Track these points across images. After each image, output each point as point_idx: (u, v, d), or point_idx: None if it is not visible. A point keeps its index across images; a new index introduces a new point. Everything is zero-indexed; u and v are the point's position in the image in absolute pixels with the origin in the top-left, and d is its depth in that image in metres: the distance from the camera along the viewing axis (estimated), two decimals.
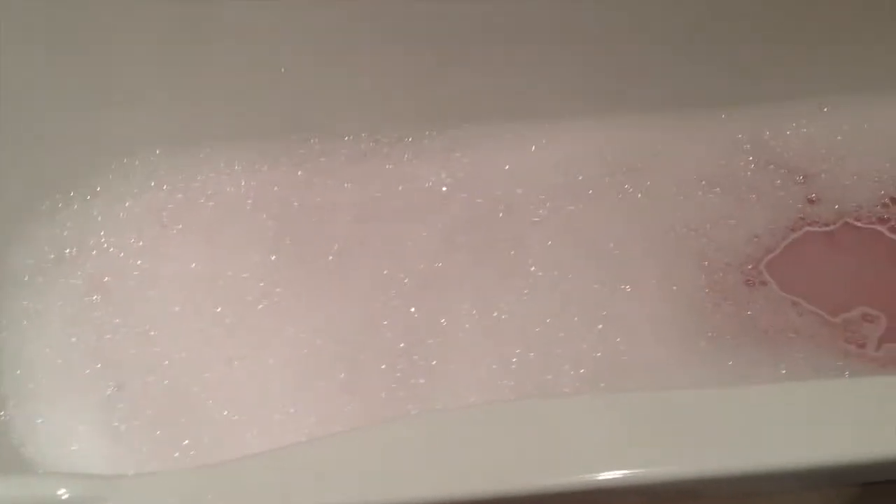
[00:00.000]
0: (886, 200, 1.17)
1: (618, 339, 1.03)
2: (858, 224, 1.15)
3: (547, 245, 1.12)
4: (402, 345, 1.03)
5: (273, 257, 1.09)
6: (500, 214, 1.15)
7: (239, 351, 1.03)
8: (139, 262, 1.11)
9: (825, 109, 1.22)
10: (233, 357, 1.02)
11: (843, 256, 1.13)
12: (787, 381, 1.00)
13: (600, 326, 1.04)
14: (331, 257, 1.11)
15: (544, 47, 1.17)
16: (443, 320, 1.05)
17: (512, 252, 1.11)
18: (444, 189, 1.17)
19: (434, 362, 1.01)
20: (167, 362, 1.02)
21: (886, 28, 1.18)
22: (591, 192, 1.16)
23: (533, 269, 1.09)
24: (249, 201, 1.15)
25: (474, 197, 1.16)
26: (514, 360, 1.01)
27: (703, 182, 1.18)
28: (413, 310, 1.06)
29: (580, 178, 1.17)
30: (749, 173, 1.19)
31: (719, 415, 0.68)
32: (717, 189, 1.18)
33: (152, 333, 1.03)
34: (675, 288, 1.09)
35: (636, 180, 1.18)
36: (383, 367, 1.02)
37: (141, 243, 1.12)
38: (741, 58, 1.20)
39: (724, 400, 0.70)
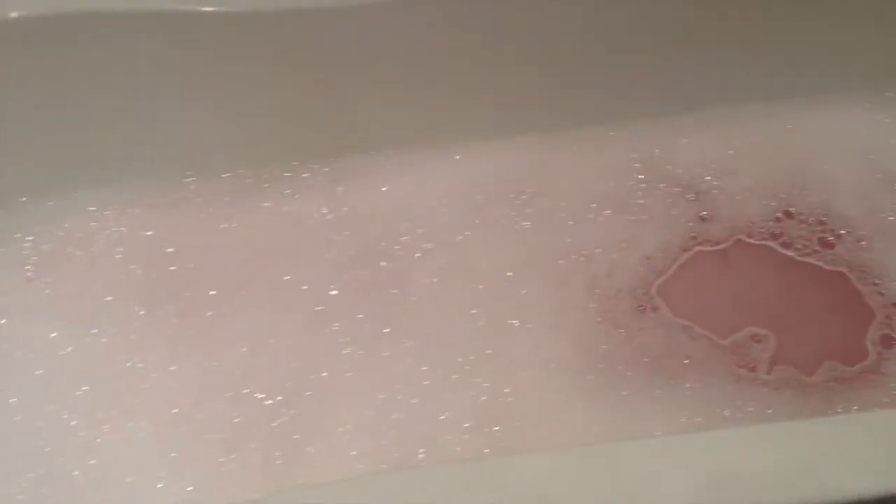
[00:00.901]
0: (779, 214, 1.15)
1: (505, 379, 1.00)
2: (751, 241, 1.14)
3: (433, 281, 1.08)
4: (281, 398, 0.99)
5: (142, 311, 1.04)
6: (385, 250, 1.11)
7: (108, 413, 0.97)
8: (2, 320, 1.04)
9: (715, 123, 1.20)
10: (102, 421, 0.97)
11: (734, 275, 1.11)
12: (682, 412, 0.98)
13: (487, 366, 1.01)
14: (207, 307, 1.06)
15: (426, 73, 1.13)
16: (324, 373, 1.00)
17: (395, 291, 1.07)
18: (327, 226, 1.13)
19: (315, 414, 0.97)
20: (29, 430, 0.96)
21: (772, 39, 1.16)
22: (478, 221, 1.13)
23: (417, 307, 1.06)
24: (120, 249, 1.09)
25: (358, 233, 1.12)
26: (397, 407, 0.98)
27: (594, 205, 1.16)
28: (293, 361, 1.01)
29: (467, 207, 1.14)
30: (640, 193, 1.17)
31: None
32: (608, 211, 1.15)
33: (12, 400, 0.97)
34: (565, 319, 1.06)
35: (525, 207, 1.15)
36: (262, 422, 0.97)
37: (4, 299, 1.06)
38: (629, 73, 1.17)
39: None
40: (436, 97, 1.15)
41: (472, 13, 1.09)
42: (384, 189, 1.15)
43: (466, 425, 0.96)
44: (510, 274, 1.09)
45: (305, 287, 1.08)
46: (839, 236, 1.12)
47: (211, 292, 1.07)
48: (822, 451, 0.70)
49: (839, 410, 0.98)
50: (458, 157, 1.17)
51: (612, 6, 1.11)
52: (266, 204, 1.14)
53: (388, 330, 1.03)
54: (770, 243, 1.13)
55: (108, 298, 1.05)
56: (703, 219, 1.15)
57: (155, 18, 1.02)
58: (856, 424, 0.76)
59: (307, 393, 0.99)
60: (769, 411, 0.98)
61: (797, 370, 1.03)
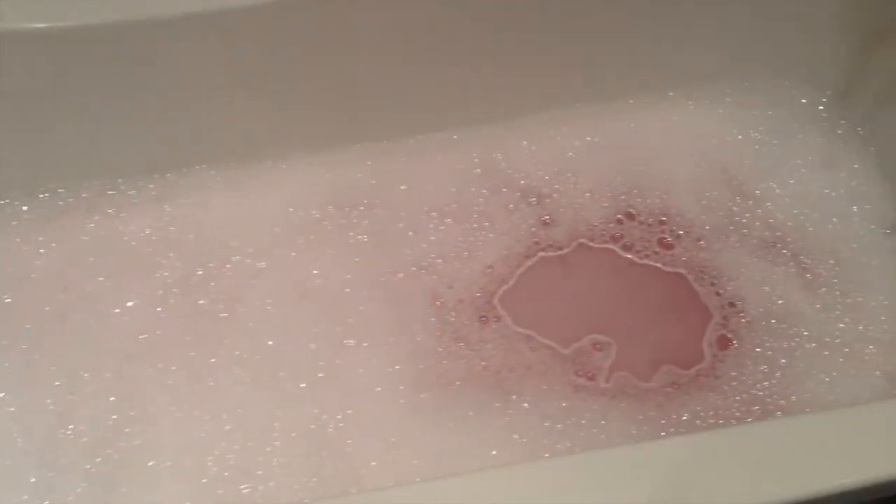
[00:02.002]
0: (620, 216, 1.15)
1: (337, 403, 0.97)
2: (592, 244, 1.13)
3: (265, 302, 1.04)
4: (99, 436, 0.93)
5: None
6: (214, 271, 1.06)
7: None
8: None
9: (555, 125, 1.19)
10: None
11: (576, 281, 1.11)
12: (516, 429, 0.97)
13: (319, 390, 0.97)
14: (23, 341, 1.00)
15: (252, 84, 1.08)
16: (147, 406, 0.95)
17: (225, 314, 1.02)
18: (152, 247, 1.07)
19: (134, 452, 0.92)
20: None
21: (608, 39, 1.15)
22: (312, 237, 1.09)
23: (248, 331, 1.01)
24: None
25: (186, 254, 1.07)
26: (223, 440, 0.94)
27: (434, 214, 1.13)
28: (113, 395, 0.96)
29: (301, 222, 1.10)
30: (482, 200, 1.15)
31: None
32: (449, 220, 1.13)
33: None
34: (403, 335, 1.03)
35: (362, 219, 1.11)
36: (78, 464, 0.92)
37: None
38: (466, 76, 1.14)
39: None
40: (265, 108, 1.10)
41: (302, 20, 1.04)
42: (214, 206, 1.10)
43: (294, 455, 0.93)
44: (347, 291, 1.06)
45: (128, 314, 1.02)
46: (678, 237, 1.13)
47: (26, 326, 1.01)
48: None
49: (673, 417, 0.99)
50: (290, 169, 1.13)
51: (448, 9, 1.08)
52: (88, 225, 1.08)
53: (214, 359, 0.99)
54: (611, 246, 1.13)
55: None
56: (545, 224, 1.14)
57: None
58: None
59: (126, 430, 0.94)
60: (602, 422, 0.98)
61: (635, 376, 1.02)
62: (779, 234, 1.11)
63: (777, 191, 1.13)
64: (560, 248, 1.12)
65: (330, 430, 0.95)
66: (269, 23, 1.01)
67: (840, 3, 1.08)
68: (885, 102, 1.08)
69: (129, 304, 1.03)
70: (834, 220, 1.10)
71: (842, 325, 1.03)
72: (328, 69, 1.09)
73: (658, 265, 1.11)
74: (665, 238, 1.13)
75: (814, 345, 1.02)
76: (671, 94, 1.20)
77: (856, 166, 1.12)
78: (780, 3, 1.11)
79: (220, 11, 0.98)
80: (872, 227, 1.08)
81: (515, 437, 0.96)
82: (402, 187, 1.14)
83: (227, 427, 0.94)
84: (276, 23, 1.02)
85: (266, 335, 1.01)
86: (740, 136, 1.17)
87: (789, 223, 1.11)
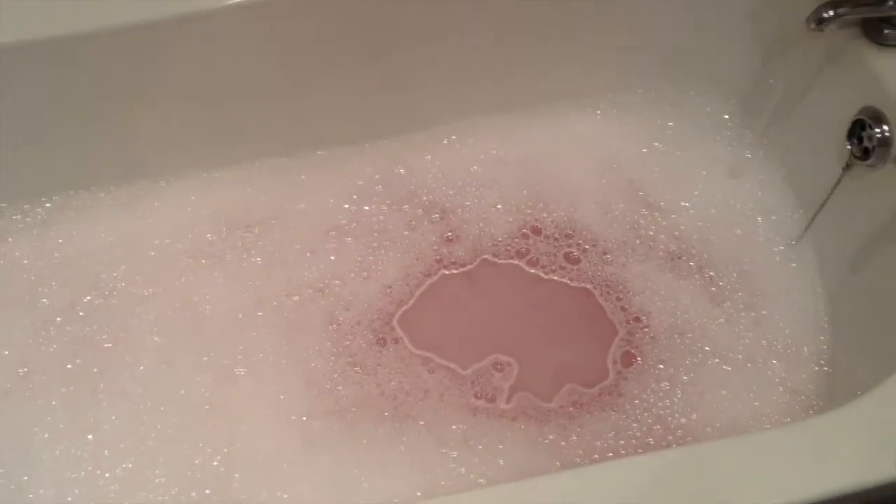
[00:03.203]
0: (525, 231, 1.12)
1: (224, 436, 0.93)
2: (497, 260, 1.10)
3: (152, 331, 1.00)
4: None
5: None
6: (100, 299, 1.02)
7: None
8: None
9: (459, 139, 1.16)
10: None
11: (479, 299, 1.08)
12: (411, 457, 0.94)
13: (206, 423, 0.94)
14: None
15: (139, 103, 1.04)
16: (25, 445, 0.91)
17: (109, 345, 0.99)
18: (35, 274, 1.03)
19: (13, 498, 0.88)
20: None
21: (511, 50, 1.12)
22: (204, 261, 1.05)
23: (134, 362, 0.98)
24: None
25: (70, 281, 1.03)
26: (104, 477, 0.90)
27: (333, 233, 1.10)
28: None
29: (192, 245, 1.06)
30: (382, 217, 1.12)
31: None
32: (349, 239, 1.10)
33: None
34: (297, 362, 1.00)
35: (256, 241, 1.08)
36: None
37: None
38: (365, 89, 1.11)
39: None
40: (156, 125, 1.06)
41: (181, 37, 1.00)
42: (101, 229, 1.06)
43: (177, 492, 0.89)
44: (239, 316, 1.02)
45: (7, 347, 0.98)
46: (584, 251, 1.10)
47: None
48: None
49: (573, 438, 0.96)
50: (183, 189, 1.09)
51: (341, 20, 1.04)
52: None
53: (97, 393, 0.95)
54: (517, 262, 1.10)
55: None
56: (448, 240, 1.11)
57: None
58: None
59: (1, 470, 0.90)
60: (500, 446, 0.95)
61: (536, 397, 1.00)
62: (684, 246, 1.09)
63: (682, 202, 1.11)
64: (463, 265, 1.10)
65: (215, 464, 0.91)
66: (139, 42, 0.97)
67: (741, 14, 1.06)
68: (787, 112, 1.06)
69: (8, 336, 0.99)
70: (738, 231, 1.08)
71: (745, 340, 1.01)
72: (220, 85, 1.05)
73: (564, 280, 1.08)
74: (571, 252, 1.10)
75: (717, 360, 1.00)
76: (578, 105, 1.17)
77: (761, 177, 1.10)
78: (682, 14, 1.09)
79: (88, 34, 0.94)
80: (777, 238, 1.07)
81: (410, 465, 0.93)
82: (301, 206, 1.11)
83: (108, 464, 0.91)
84: (150, 41, 0.97)
85: (151, 366, 0.98)
86: (646, 148, 1.15)
87: (694, 235, 1.09)
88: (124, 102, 1.03)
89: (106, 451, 0.92)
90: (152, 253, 1.05)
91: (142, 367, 0.97)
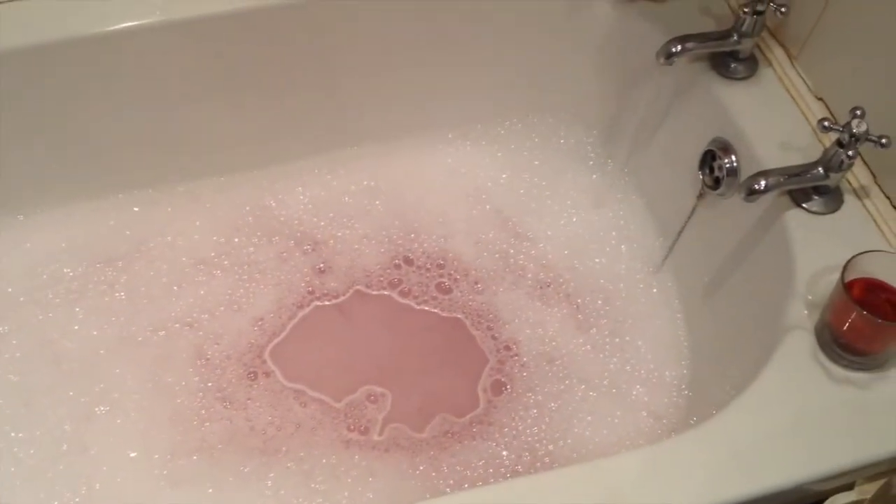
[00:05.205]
0: (398, 261, 1.13)
1: (81, 477, 0.90)
2: (369, 291, 1.10)
3: (8, 370, 0.96)
4: None
5: None
6: None
7: None
8: None
9: (330, 169, 1.16)
10: None
11: (352, 330, 1.08)
12: (278, 493, 0.93)
13: (62, 464, 0.90)
14: None
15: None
16: None
17: None
18: None
19: None
20: None
21: (383, 80, 1.13)
22: (64, 297, 1.02)
23: None
24: None
25: None
26: None
27: (202, 266, 1.08)
28: None
29: (51, 281, 1.03)
30: (252, 249, 1.10)
31: None
32: (218, 272, 1.08)
33: None
34: (162, 399, 0.98)
35: (120, 275, 1.05)
36: None
37: None
38: (234, 117, 1.09)
39: None
40: (16, 155, 1.02)
41: (48, 66, 0.97)
42: None
43: None
44: (101, 352, 0.99)
45: None
46: (455, 280, 1.11)
47: None
48: None
49: (444, 469, 0.97)
50: (43, 223, 1.05)
51: (216, 47, 1.03)
52: None
53: None
54: (389, 292, 1.10)
55: None
56: (320, 271, 1.10)
57: None
58: None
59: None
60: (370, 479, 0.95)
61: (409, 428, 1.00)
62: (552, 274, 1.11)
63: (549, 232, 1.14)
64: (336, 297, 1.09)
65: None
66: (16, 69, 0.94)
67: (594, 48, 1.10)
68: (645, 143, 1.10)
69: None
70: (603, 260, 1.11)
71: (610, 366, 1.04)
72: (81, 114, 1.02)
73: (436, 310, 1.09)
74: (443, 282, 1.11)
75: (583, 387, 1.03)
76: (449, 135, 1.19)
77: (623, 206, 1.14)
78: (546, 47, 1.12)
79: None
80: (639, 266, 1.10)
81: (276, 501, 0.91)
82: (168, 238, 1.08)
83: None
84: (18, 72, 0.94)
85: (6, 406, 0.93)
86: (514, 178, 1.17)
87: (561, 264, 1.12)
88: None
89: None
90: (9, 289, 1.01)
91: None
